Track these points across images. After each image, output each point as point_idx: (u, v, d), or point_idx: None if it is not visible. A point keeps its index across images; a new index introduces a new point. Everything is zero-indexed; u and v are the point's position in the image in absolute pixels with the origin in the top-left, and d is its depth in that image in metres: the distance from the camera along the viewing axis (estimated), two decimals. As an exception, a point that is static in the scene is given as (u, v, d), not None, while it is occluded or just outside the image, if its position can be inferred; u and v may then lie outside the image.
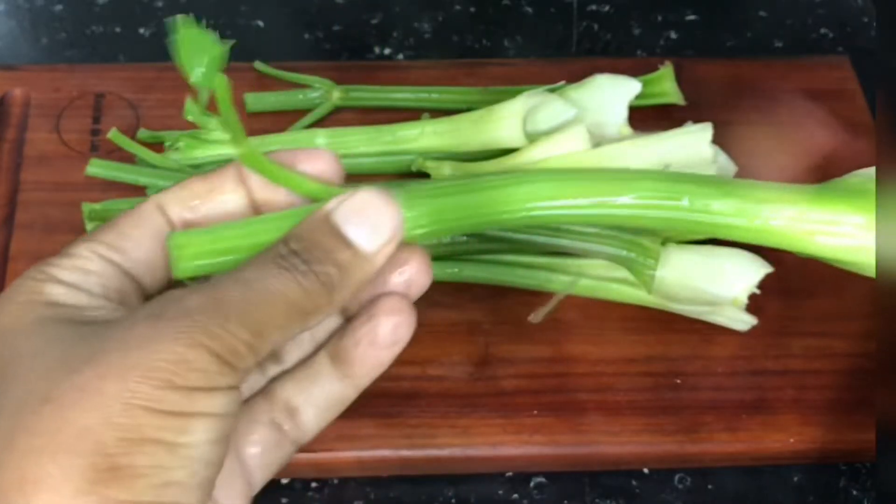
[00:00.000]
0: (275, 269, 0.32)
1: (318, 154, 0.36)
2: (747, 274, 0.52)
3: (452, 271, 0.56)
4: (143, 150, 0.58)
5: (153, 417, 0.29)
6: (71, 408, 0.29)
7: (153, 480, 0.29)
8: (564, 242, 0.53)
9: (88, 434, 0.28)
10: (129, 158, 0.59)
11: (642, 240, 0.52)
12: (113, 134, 0.58)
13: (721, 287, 0.52)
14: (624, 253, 0.52)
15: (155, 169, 0.58)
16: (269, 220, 0.35)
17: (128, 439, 0.29)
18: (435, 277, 0.54)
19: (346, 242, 0.33)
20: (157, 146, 0.60)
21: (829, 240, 0.39)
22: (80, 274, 0.34)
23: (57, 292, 0.33)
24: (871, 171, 0.40)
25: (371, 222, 0.33)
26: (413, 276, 0.38)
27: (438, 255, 0.56)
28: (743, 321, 0.54)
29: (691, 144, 0.55)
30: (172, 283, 0.36)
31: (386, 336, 0.38)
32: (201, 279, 0.34)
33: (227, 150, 0.58)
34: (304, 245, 0.33)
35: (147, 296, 0.35)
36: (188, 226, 0.36)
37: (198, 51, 0.35)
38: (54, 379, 0.29)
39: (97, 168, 0.57)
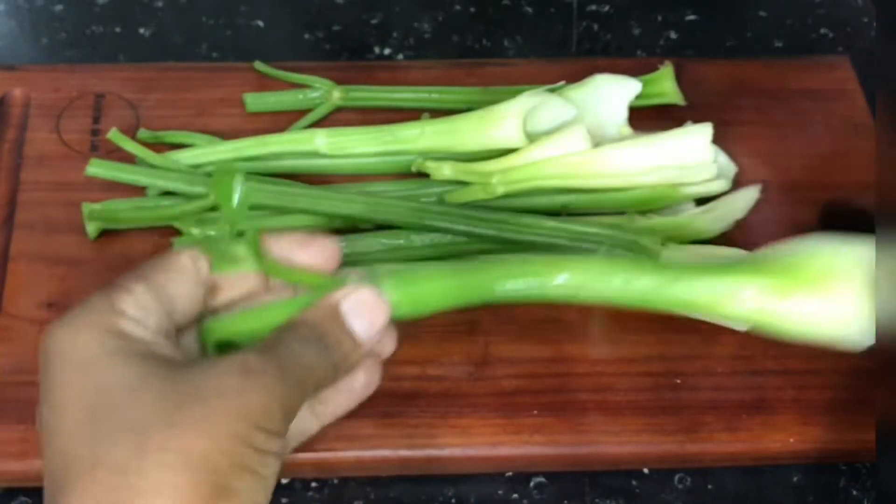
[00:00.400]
0: (308, 350, 0.39)
1: (323, 245, 0.44)
2: None
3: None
4: (143, 150, 0.58)
5: (249, 451, 0.36)
6: (193, 435, 0.35)
7: (244, 501, 0.36)
8: (564, 243, 0.53)
9: (207, 457, 0.35)
10: (129, 158, 0.59)
11: (643, 241, 0.52)
12: (113, 134, 0.59)
13: None
14: (624, 253, 0.52)
15: (155, 169, 0.58)
16: (279, 307, 0.42)
17: (235, 465, 0.36)
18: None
19: (350, 333, 0.41)
20: (157, 146, 0.61)
21: (731, 307, 0.44)
22: (142, 310, 0.39)
23: (126, 326, 0.38)
24: (791, 243, 0.47)
25: (369, 317, 0.41)
26: (386, 344, 0.45)
27: (438, 255, 0.56)
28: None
29: (691, 145, 0.55)
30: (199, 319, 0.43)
31: (360, 388, 0.46)
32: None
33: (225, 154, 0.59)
34: (319, 332, 0.40)
35: (178, 330, 0.41)
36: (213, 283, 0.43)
37: (229, 190, 0.46)
38: (168, 410, 0.36)
39: (97, 168, 0.57)
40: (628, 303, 0.44)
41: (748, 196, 0.57)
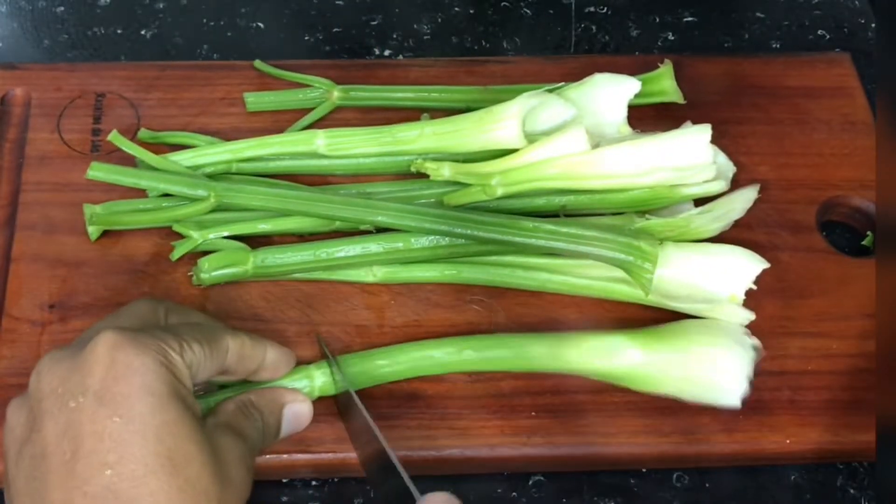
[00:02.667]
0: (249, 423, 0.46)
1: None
2: (744, 271, 0.53)
3: (451, 273, 0.56)
4: (144, 151, 0.58)
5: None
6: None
7: None
8: (562, 245, 0.54)
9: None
10: (130, 158, 0.59)
11: (640, 243, 0.52)
12: (113, 136, 0.58)
13: (718, 284, 0.53)
14: (622, 256, 0.52)
15: (156, 172, 0.58)
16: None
17: None
18: (434, 279, 0.55)
19: (279, 430, 0.48)
20: (157, 146, 0.61)
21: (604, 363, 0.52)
22: (197, 366, 0.44)
23: (183, 373, 0.43)
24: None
25: (298, 426, 0.49)
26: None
27: (437, 258, 0.56)
28: (740, 317, 0.54)
29: (690, 146, 0.55)
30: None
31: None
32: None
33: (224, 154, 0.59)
34: (260, 411, 0.47)
35: None
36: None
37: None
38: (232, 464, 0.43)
39: (98, 172, 0.57)
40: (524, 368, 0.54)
41: (747, 196, 0.57)
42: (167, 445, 0.39)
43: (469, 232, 0.55)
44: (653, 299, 0.54)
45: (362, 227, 0.58)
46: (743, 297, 0.53)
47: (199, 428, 0.41)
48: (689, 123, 0.59)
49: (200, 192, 0.56)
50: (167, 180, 0.57)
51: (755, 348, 0.52)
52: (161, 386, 0.40)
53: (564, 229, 0.54)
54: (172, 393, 0.41)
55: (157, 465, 0.39)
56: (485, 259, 0.57)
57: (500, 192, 0.56)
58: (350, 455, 0.51)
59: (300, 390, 0.50)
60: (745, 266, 0.53)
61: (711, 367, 0.51)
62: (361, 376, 0.52)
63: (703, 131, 0.55)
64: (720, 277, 0.53)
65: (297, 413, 0.48)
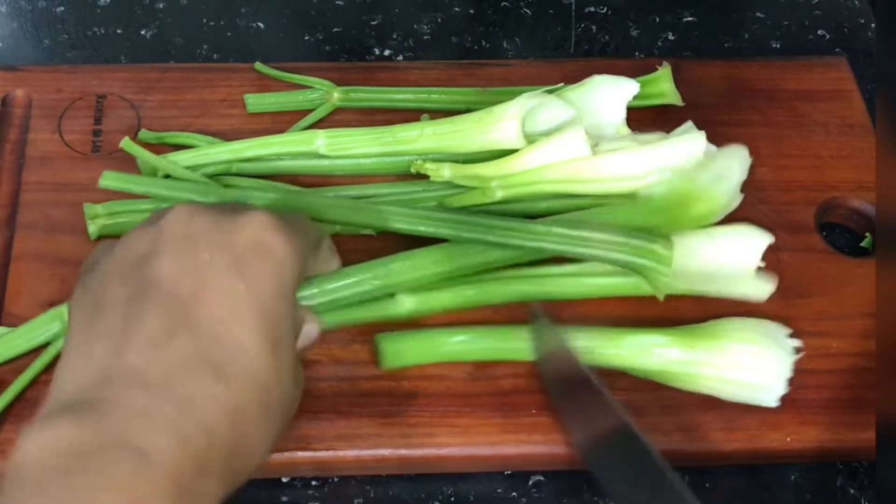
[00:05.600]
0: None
1: None
2: (756, 240, 0.54)
3: (471, 293, 0.55)
4: (155, 157, 0.59)
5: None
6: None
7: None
8: (579, 250, 0.53)
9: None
10: (131, 159, 0.59)
11: (655, 246, 0.52)
12: (125, 143, 0.59)
13: (738, 258, 0.54)
14: (637, 260, 0.52)
15: (168, 181, 0.58)
16: None
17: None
18: (451, 306, 0.55)
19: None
20: (158, 146, 0.61)
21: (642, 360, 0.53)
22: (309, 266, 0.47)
23: (304, 272, 0.46)
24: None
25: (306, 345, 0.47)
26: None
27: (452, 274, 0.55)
28: (762, 288, 0.54)
29: (688, 150, 0.55)
30: None
31: None
32: None
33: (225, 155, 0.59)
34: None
35: None
36: None
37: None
38: None
39: (111, 181, 0.56)
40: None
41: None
42: (275, 331, 0.41)
43: (477, 236, 0.54)
44: (682, 288, 0.55)
45: (363, 232, 0.58)
46: (762, 263, 0.54)
47: (294, 329, 0.43)
48: (690, 123, 0.59)
49: (212, 199, 0.56)
50: (179, 189, 0.57)
51: (795, 349, 0.52)
52: (291, 281, 0.42)
53: (576, 233, 0.53)
54: (294, 288, 0.43)
55: (263, 341, 0.40)
56: (501, 275, 0.56)
57: (499, 194, 0.56)
58: (350, 453, 0.51)
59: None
60: (755, 237, 0.54)
61: (750, 367, 0.51)
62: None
63: (700, 137, 0.56)
64: (737, 251, 0.53)
65: (309, 332, 0.47)
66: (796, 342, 0.52)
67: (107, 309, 0.40)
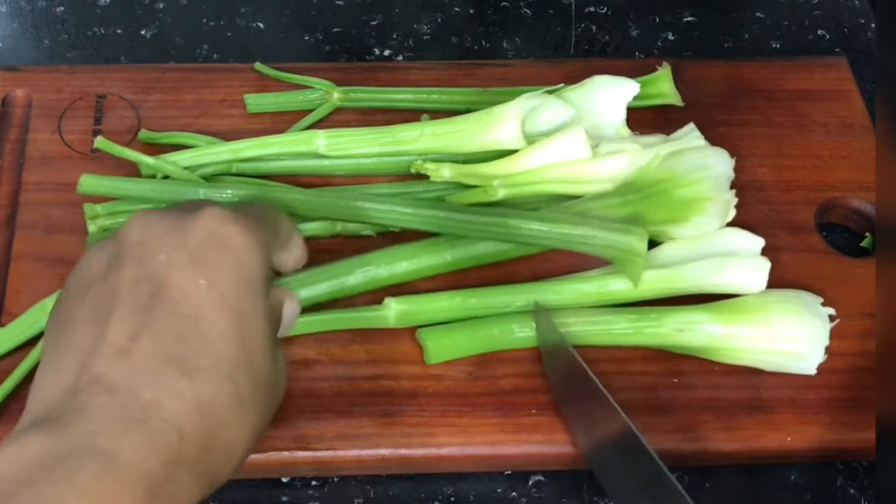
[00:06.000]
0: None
1: None
2: (750, 244, 0.55)
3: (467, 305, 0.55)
4: (135, 154, 0.59)
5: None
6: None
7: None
8: (556, 244, 0.54)
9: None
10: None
11: (630, 238, 0.53)
12: (99, 141, 0.59)
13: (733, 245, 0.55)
14: (614, 251, 0.53)
15: (148, 182, 0.58)
16: None
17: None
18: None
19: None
20: (158, 146, 0.61)
21: (686, 337, 0.54)
22: (274, 257, 0.47)
23: (268, 263, 0.45)
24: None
25: (287, 326, 0.46)
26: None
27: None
28: (759, 270, 0.54)
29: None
30: None
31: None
32: None
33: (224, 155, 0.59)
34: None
35: None
36: None
37: None
38: None
39: (88, 186, 0.57)
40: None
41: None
42: (242, 321, 0.40)
43: (453, 229, 0.55)
44: (679, 286, 0.55)
45: (363, 233, 0.58)
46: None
47: (266, 318, 0.42)
48: (691, 125, 0.59)
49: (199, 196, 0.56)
50: (159, 191, 0.57)
51: (830, 316, 0.53)
52: (252, 269, 0.42)
53: (555, 228, 0.54)
54: (257, 277, 0.42)
55: (228, 332, 0.39)
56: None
57: (501, 193, 0.57)
58: (350, 453, 0.51)
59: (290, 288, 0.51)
60: (747, 242, 0.55)
61: (792, 337, 0.53)
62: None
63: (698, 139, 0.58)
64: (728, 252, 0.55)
65: (291, 312, 0.47)
66: (831, 310, 0.53)
67: (72, 324, 0.40)
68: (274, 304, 0.44)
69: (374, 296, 0.56)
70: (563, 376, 0.52)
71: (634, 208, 0.55)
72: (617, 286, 0.55)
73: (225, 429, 0.39)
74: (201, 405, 0.38)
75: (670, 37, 0.73)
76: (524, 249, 0.57)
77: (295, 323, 0.47)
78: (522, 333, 0.54)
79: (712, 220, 0.55)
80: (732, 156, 0.58)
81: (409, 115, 0.63)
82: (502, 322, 0.54)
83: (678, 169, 0.55)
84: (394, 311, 0.54)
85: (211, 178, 0.59)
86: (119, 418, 0.36)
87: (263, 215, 0.46)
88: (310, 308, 0.54)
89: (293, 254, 0.49)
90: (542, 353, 0.54)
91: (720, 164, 0.56)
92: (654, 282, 0.55)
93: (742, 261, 0.54)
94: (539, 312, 0.53)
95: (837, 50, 0.72)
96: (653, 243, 0.56)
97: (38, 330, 0.54)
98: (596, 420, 0.50)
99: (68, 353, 0.39)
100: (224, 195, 0.56)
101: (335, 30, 0.72)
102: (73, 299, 0.41)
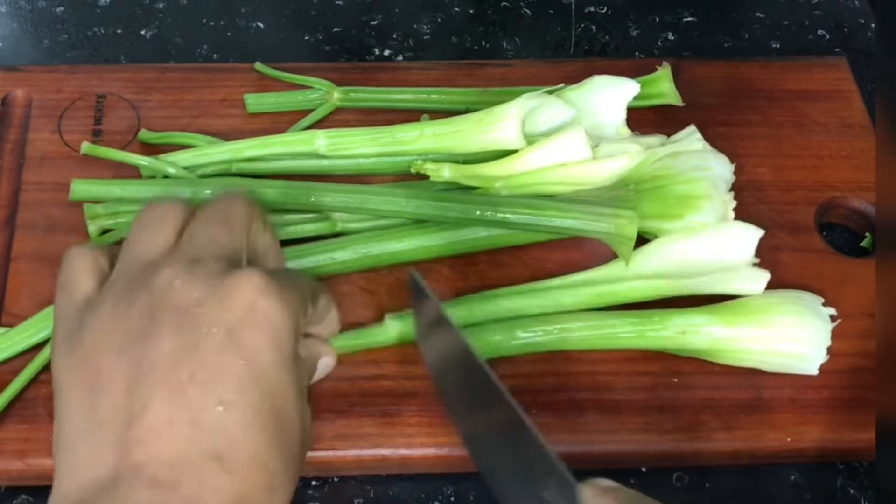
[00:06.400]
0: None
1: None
2: (748, 234, 0.54)
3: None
4: (124, 154, 0.59)
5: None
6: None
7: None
8: (545, 222, 0.55)
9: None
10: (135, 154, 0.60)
11: (621, 211, 0.53)
12: (86, 147, 0.60)
13: (732, 253, 0.54)
14: (604, 227, 0.54)
15: (133, 183, 0.58)
16: None
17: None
18: None
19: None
20: (159, 146, 0.61)
21: (689, 339, 0.54)
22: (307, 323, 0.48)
23: (302, 329, 0.45)
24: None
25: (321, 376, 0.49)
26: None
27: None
28: (759, 279, 0.54)
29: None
30: None
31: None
32: None
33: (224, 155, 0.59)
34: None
35: None
36: None
37: None
38: None
39: (79, 193, 0.57)
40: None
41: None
42: (277, 402, 0.40)
43: (438, 212, 0.56)
44: (678, 286, 0.55)
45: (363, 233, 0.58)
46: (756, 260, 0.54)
47: (299, 389, 0.42)
48: (692, 127, 0.59)
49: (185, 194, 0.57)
50: (152, 193, 0.57)
51: (831, 317, 0.53)
52: (289, 343, 0.41)
53: (545, 223, 0.55)
54: (293, 351, 0.42)
55: (268, 420, 0.39)
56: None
57: (503, 194, 0.57)
58: (350, 453, 0.51)
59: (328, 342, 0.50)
60: (747, 233, 0.54)
61: (795, 338, 0.53)
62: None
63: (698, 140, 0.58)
64: (726, 250, 0.54)
65: (326, 365, 0.48)
66: (832, 310, 0.53)
67: (106, 388, 0.39)
68: (308, 359, 0.45)
69: (367, 278, 0.57)
70: (440, 352, 0.50)
71: (627, 198, 0.55)
72: (618, 289, 0.55)
73: None
74: (238, 500, 0.38)
75: (670, 37, 0.73)
76: (519, 237, 0.57)
77: (326, 374, 0.48)
78: (525, 339, 0.54)
79: (708, 220, 0.55)
80: (732, 156, 0.58)
81: (409, 115, 0.63)
82: (504, 329, 0.54)
83: (676, 167, 0.56)
84: (395, 330, 0.54)
85: (211, 178, 0.59)
86: None
87: (299, 282, 0.45)
88: None
89: (329, 326, 0.49)
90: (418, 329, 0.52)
91: (719, 166, 0.56)
92: (656, 289, 0.55)
93: (743, 272, 0.54)
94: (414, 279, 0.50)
95: (837, 50, 0.72)
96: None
97: (44, 336, 0.53)
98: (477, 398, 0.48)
99: (104, 430, 0.38)
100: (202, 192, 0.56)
101: (335, 30, 0.72)
102: (102, 353, 0.40)
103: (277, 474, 0.39)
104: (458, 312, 0.54)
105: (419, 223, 0.57)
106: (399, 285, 0.56)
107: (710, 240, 0.54)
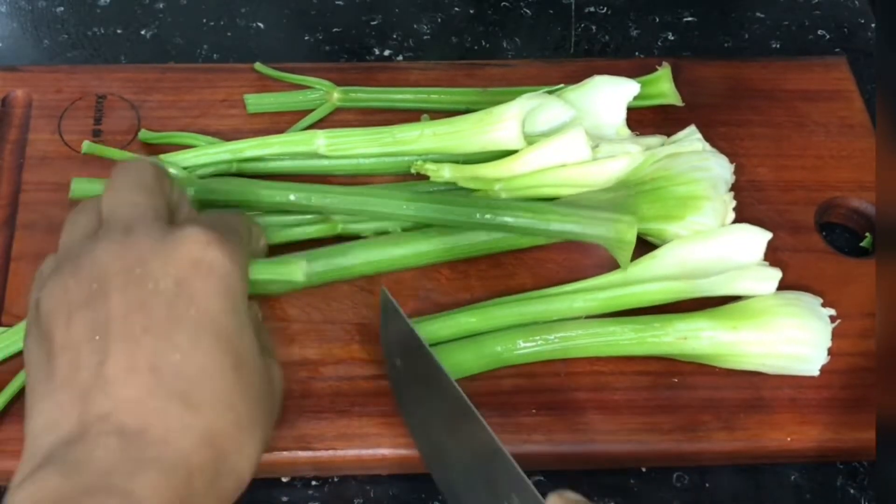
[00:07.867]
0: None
1: None
2: (756, 237, 0.55)
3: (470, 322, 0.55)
4: (123, 153, 0.59)
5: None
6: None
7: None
8: (544, 226, 0.55)
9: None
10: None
11: (621, 216, 0.53)
12: (87, 146, 0.60)
13: (740, 256, 0.54)
14: (603, 231, 0.54)
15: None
16: None
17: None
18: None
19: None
20: (160, 146, 0.61)
21: (692, 344, 0.53)
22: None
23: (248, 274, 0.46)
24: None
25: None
26: None
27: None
28: (769, 278, 0.54)
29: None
30: None
31: None
32: None
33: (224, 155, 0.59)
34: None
35: None
36: None
37: None
38: None
39: (82, 189, 0.57)
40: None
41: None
42: (234, 346, 0.41)
43: (438, 215, 0.56)
44: (686, 288, 0.55)
45: (364, 235, 0.58)
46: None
47: (254, 332, 0.43)
48: (692, 127, 0.59)
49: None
50: None
51: (831, 317, 0.53)
52: (235, 288, 0.42)
53: (544, 227, 0.55)
54: (241, 295, 0.42)
55: (224, 360, 0.40)
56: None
57: (503, 196, 0.57)
58: (350, 453, 0.51)
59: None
60: (754, 236, 0.55)
61: (796, 340, 0.53)
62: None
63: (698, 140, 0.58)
64: (734, 252, 0.54)
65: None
66: (831, 311, 0.54)
67: (61, 353, 0.40)
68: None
69: (367, 278, 0.57)
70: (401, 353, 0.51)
71: (626, 202, 0.55)
72: (619, 293, 0.55)
73: (230, 456, 0.39)
74: (207, 438, 0.38)
75: (670, 37, 0.73)
76: (518, 241, 0.57)
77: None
78: (527, 349, 0.53)
79: (709, 221, 0.55)
80: (732, 156, 0.58)
81: (409, 115, 0.63)
82: (505, 338, 0.54)
83: (676, 168, 0.55)
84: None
85: (211, 178, 0.59)
86: (131, 458, 0.37)
87: (236, 226, 0.46)
88: None
89: (258, 247, 0.51)
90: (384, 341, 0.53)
91: (719, 166, 0.56)
92: (664, 292, 0.55)
93: (753, 271, 0.54)
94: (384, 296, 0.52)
95: (837, 50, 0.72)
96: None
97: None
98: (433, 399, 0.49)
99: (66, 387, 0.39)
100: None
101: (335, 30, 0.72)
102: (54, 323, 0.40)
103: (244, 415, 0.40)
104: (457, 323, 0.54)
105: (420, 227, 0.57)
106: (398, 285, 0.56)
107: (719, 243, 0.54)
